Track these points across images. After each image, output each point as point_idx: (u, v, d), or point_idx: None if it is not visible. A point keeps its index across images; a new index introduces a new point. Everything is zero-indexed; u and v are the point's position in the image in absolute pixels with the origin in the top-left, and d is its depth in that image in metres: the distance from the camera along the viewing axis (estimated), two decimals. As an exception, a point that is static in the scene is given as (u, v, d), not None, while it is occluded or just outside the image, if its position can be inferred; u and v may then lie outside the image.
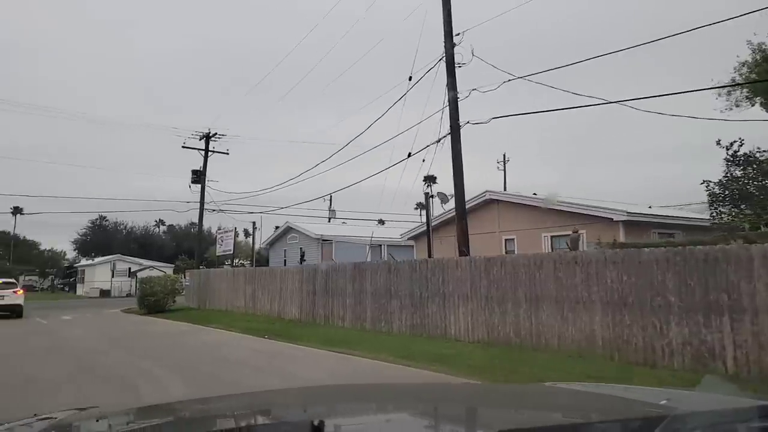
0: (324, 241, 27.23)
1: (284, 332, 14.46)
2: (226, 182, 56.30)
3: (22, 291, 22.93)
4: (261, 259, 39.60)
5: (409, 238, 20.65)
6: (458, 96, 13.65)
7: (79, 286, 51.36)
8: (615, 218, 15.05)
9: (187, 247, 57.32)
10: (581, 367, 8.13)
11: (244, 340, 13.73)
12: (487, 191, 16.60)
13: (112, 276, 45.51)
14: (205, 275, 25.22)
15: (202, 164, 28.20)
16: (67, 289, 56.86)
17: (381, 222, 48.35)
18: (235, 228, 28.20)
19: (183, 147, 28.13)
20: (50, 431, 1.62)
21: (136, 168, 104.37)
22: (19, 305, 21.52)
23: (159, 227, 76.41)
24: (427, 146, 14.52)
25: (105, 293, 44.50)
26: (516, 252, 16.06)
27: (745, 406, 1.57)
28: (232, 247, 28.06)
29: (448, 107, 13.75)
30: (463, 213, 13.53)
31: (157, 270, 38.09)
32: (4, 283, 22.71)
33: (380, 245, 23.69)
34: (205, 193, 28.09)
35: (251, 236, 64.15)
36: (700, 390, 2.06)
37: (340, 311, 15.55)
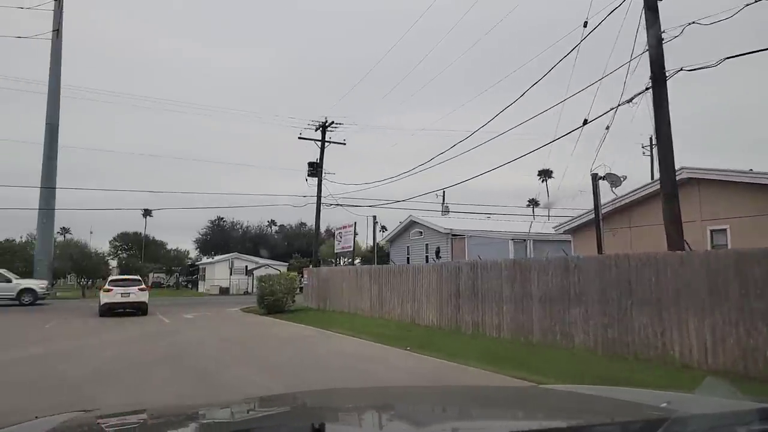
0: (454, 237, 24.36)
1: (426, 342, 12.04)
2: (342, 175, 55.16)
3: (146, 288, 22.60)
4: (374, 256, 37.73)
5: (565, 231, 17.28)
6: (663, 37, 10.22)
7: (200, 283, 53.04)
8: None
9: (298, 246, 57.44)
10: None
11: (383, 352, 11.44)
12: (683, 168, 12.83)
13: (230, 274, 46.20)
14: (324, 273, 23.51)
15: (318, 156, 26.62)
16: (189, 286, 59.28)
17: (488, 217, 45.07)
18: (355, 223, 26.21)
19: (299, 138, 26.74)
20: None
21: (256, 163, 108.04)
22: (143, 302, 21.13)
23: (271, 227, 78.22)
24: (613, 108, 11.21)
25: (224, 291, 45.24)
26: (729, 247, 12.21)
27: (746, 408, 1.49)
28: (352, 244, 26.14)
29: (647, 53, 10.36)
30: (673, 191, 10.08)
31: (272, 268, 37.63)
32: (130, 280, 22.47)
33: (524, 240, 20.49)
34: (322, 186, 26.46)
35: (358, 234, 63.40)
36: (701, 393, 1.82)
37: (495, 319, 12.72)
